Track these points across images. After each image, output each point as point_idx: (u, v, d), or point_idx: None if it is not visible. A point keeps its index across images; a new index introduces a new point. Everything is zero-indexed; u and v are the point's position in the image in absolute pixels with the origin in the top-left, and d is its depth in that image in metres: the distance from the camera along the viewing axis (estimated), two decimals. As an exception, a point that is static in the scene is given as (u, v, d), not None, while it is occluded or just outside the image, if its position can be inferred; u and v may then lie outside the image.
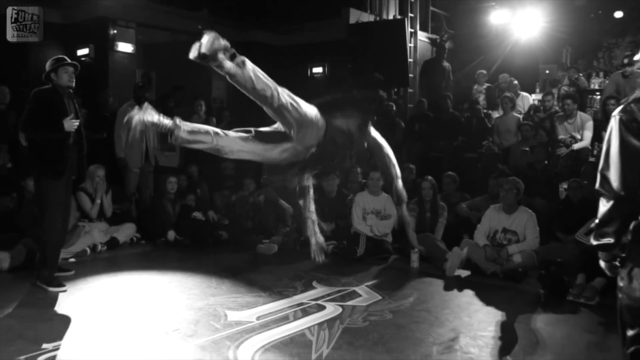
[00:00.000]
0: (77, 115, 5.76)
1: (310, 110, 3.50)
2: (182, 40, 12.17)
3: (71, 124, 5.53)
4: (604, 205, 2.48)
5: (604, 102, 8.51)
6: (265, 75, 3.30)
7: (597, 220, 2.53)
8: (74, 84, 5.70)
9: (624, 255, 2.45)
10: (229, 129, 3.68)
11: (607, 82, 9.87)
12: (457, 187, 8.04)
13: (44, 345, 4.10)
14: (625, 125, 2.39)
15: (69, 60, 5.70)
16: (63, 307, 5.10)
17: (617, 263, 2.55)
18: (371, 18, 12.26)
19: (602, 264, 2.65)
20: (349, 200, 7.76)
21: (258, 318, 4.85)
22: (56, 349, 4.07)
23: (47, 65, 5.66)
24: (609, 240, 2.49)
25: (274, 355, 4.06)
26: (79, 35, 10.64)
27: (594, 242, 2.55)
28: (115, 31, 10.53)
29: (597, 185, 2.51)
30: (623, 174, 2.39)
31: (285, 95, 3.36)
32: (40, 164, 5.57)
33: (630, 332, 2.42)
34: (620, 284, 2.46)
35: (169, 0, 11.25)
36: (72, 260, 6.41)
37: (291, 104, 3.38)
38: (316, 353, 4.11)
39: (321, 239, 3.98)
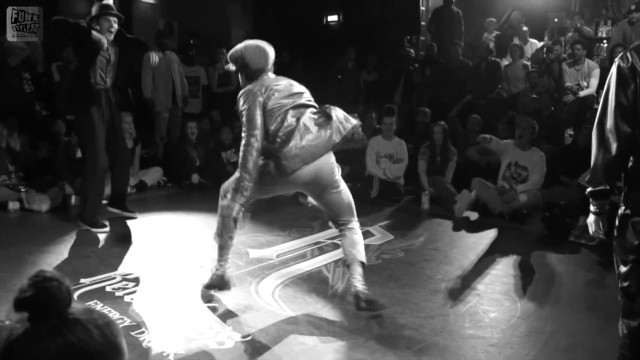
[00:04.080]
0: (116, 63, 5.67)
1: None
2: (202, -9, 12.00)
3: (98, 35, 5.33)
4: (598, 152, 2.45)
5: (611, 50, 8.32)
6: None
7: (591, 166, 2.51)
8: (112, 35, 5.52)
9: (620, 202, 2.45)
10: None
11: (614, 30, 9.63)
12: (480, 129, 7.91)
13: (82, 280, 4.19)
14: (619, 73, 2.34)
15: (114, 11, 5.54)
16: (97, 245, 5.20)
17: (601, 224, 2.54)
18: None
19: (590, 218, 2.63)
20: (363, 144, 7.72)
21: (278, 256, 4.91)
22: (93, 283, 4.17)
23: (92, 10, 5.52)
24: (604, 186, 2.48)
25: (293, 290, 4.13)
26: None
27: (590, 189, 2.53)
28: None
29: (594, 130, 2.48)
30: (615, 122, 2.35)
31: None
32: (70, 96, 5.57)
33: (622, 269, 2.45)
34: (615, 228, 2.47)
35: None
36: (105, 202, 6.46)
37: None
38: (332, 288, 4.18)
39: None
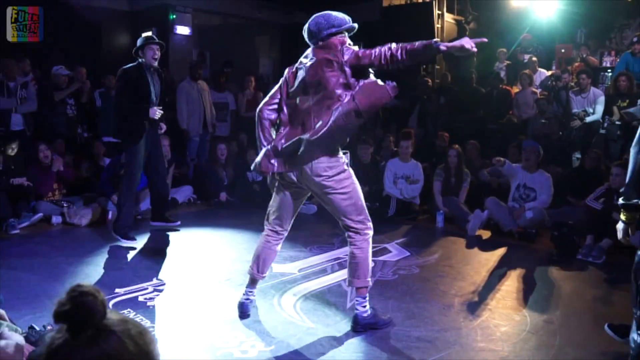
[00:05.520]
0: (160, 87, 5.80)
1: None
2: (233, 23, 12.17)
3: (155, 111, 5.54)
4: (632, 169, 2.43)
5: (615, 79, 8.25)
6: None
7: (626, 181, 2.47)
8: (156, 62, 5.67)
9: None
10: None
11: (618, 60, 9.56)
12: (478, 154, 7.91)
13: (117, 290, 4.22)
14: None
15: (155, 39, 5.69)
16: (131, 257, 5.23)
17: (630, 231, 2.51)
18: (402, 1, 12.02)
19: (619, 225, 2.59)
20: (382, 166, 7.70)
21: (299, 270, 4.89)
22: (127, 293, 4.19)
23: (137, 42, 5.68)
24: (637, 201, 2.43)
25: (313, 303, 4.09)
26: (143, 20, 10.75)
27: (621, 202, 2.48)
28: (174, 16, 10.58)
29: (632, 149, 2.45)
30: None
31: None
32: (124, 132, 5.64)
33: None
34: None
35: (221, -13, 11.23)
36: (139, 217, 6.52)
37: None
38: (350, 302, 4.12)
39: None
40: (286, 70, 3.65)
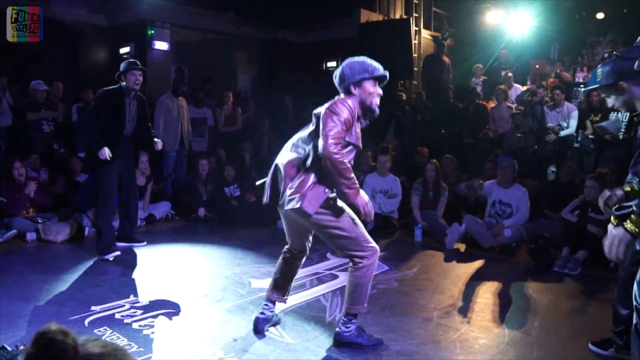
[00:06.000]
0: (138, 113, 5.80)
1: None
2: (211, 39, 12.18)
3: (104, 153, 5.44)
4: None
5: (587, 94, 8.41)
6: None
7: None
8: (138, 87, 5.70)
9: None
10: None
11: (589, 76, 9.72)
12: (454, 168, 7.98)
13: (93, 308, 4.15)
14: None
15: (138, 65, 5.70)
16: (108, 274, 5.15)
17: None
18: (380, 18, 12.14)
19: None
20: (360, 180, 7.71)
21: (279, 285, 4.84)
22: (103, 310, 4.11)
23: (121, 67, 5.68)
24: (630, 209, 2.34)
25: (292, 319, 4.06)
26: (122, 35, 10.69)
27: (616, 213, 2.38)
28: (152, 31, 10.56)
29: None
30: None
31: None
32: (93, 156, 5.59)
33: None
34: None
35: (199, 3, 11.24)
36: (116, 234, 6.43)
37: None
38: (330, 316, 4.11)
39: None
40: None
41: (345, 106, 3.32)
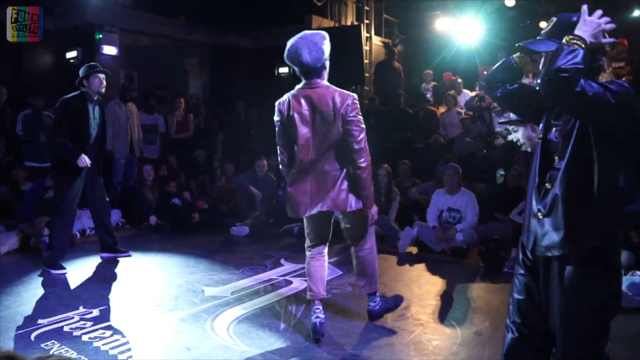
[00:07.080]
0: (101, 118, 5.66)
1: None
2: (161, 44, 12.00)
3: (84, 161, 5.31)
4: None
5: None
6: None
7: None
8: (104, 90, 5.56)
9: None
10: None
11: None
12: (410, 173, 8.09)
13: (39, 321, 4.02)
14: None
15: (100, 68, 5.55)
16: (56, 286, 5.00)
17: None
18: (331, 24, 12.21)
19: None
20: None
21: (232, 293, 4.81)
22: (51, 323, 3.99)
23: (81, 72, 5.50)
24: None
25: (247, 326, 4.03)
26: (69, 39, 10.39)
27: None
28: (100, 36, 10.33)
29: None
30: None
31: None
32: (60, 167, 5.43)
33: None
34: None
35: (149, 8, 11.07)
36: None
37: None
38: (284, 323, 4.10)
39: None
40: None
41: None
